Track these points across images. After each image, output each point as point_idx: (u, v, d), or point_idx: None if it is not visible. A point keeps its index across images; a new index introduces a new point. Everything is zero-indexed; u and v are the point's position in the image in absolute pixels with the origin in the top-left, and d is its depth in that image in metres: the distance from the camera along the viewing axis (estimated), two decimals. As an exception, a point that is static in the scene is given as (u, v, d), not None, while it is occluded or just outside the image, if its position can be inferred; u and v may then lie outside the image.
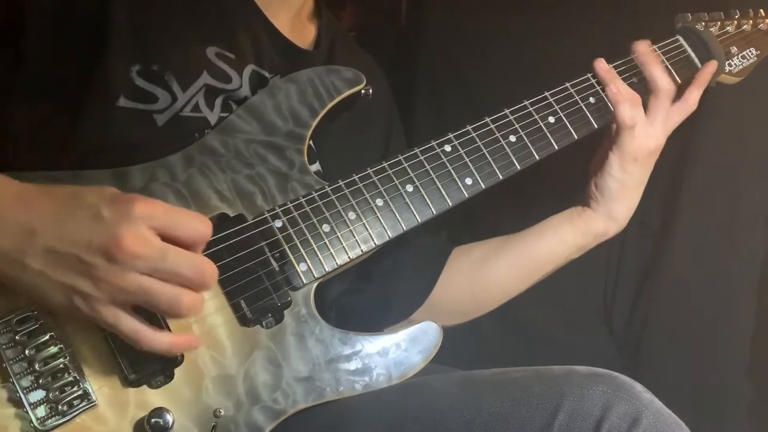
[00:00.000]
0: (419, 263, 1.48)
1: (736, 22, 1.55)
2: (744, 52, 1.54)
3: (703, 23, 1.52)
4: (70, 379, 1.01)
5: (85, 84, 1.16)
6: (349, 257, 1.18)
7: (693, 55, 1.49)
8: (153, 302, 0.96)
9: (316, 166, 1.32)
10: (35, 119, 1.17)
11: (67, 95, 1.16)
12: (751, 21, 1.56)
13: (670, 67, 1.46)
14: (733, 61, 1.52)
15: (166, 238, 0.95)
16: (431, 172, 1.26)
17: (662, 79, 1.40)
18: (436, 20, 1.86)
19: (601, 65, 1.40)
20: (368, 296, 1.44)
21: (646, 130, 1.39)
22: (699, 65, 1.49)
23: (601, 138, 1.43)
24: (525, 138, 1.33)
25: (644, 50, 1.43)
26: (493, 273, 1.48)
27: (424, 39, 1.87)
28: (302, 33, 1.43)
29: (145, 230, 0.93)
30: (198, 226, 0.98)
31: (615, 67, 1.41)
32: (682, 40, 1.50)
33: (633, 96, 1.38)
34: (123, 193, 0.96)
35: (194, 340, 1.06)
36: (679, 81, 1.46)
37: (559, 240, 1.45)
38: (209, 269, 0.98)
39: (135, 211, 0.93)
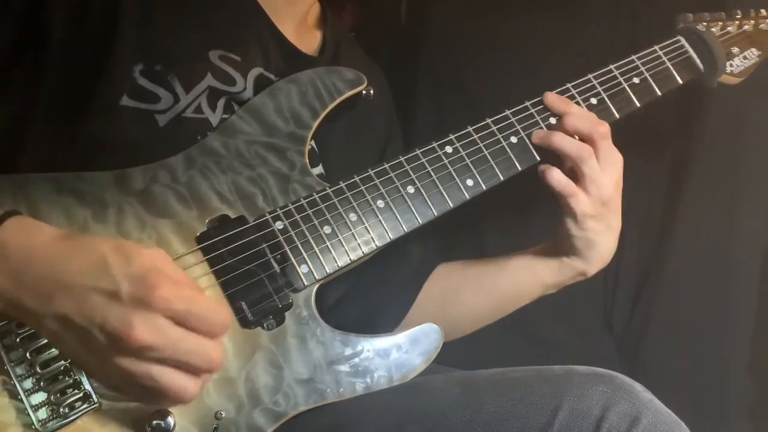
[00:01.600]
0: (402, 278, 1.46)
1: (737, 22, 1.55)
2: (746, 53, 1.53)
3: (705, 23, 1.51)
4: (72, 381, 1.01)
5: (90, 81, 1.16)
6: (350, 259, 1.18)
7: (694, 55, 1.48)
8: (160, 391, 0.95)
9: (318, 169, 1.32)
10: (40, 116, 1.16)
11: (72, 93, 1.16)
12: (752, 21, 1.56)
13: (671, 67, 1.45)
14: (734, 61, 1.51)
15: (182, 325, 0.94)
16: (432, 173, 1.25)
17: (571, 148, 1.30)
18: (436, 20, 1.86)
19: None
20: (355, 306, 1.42)
21: (588, 189, 1.31)
22: (700, 66, 1.49)
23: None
24: (526, 139, 1.32)
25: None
26: (464, 303, 1.47)
27: (424, 39, 1.86)
28: (307, 39, 1.43)
29: (160, 321, 0.91)
30: (215, 320, 0.96)
31: (567, 91, 1.37)
32: (683, 41, 1.49)
33: (575, 150, 1.30)
34: (151, 268, 0.92)
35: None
36: (680, 81, 1.46)
37: (535, 278, 1.42)
38: (217, 356, 0.97)
39: (155, 299, 0.90)
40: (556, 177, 1.30)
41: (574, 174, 1.31)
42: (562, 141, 1.31)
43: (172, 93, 1.20)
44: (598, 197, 1.30)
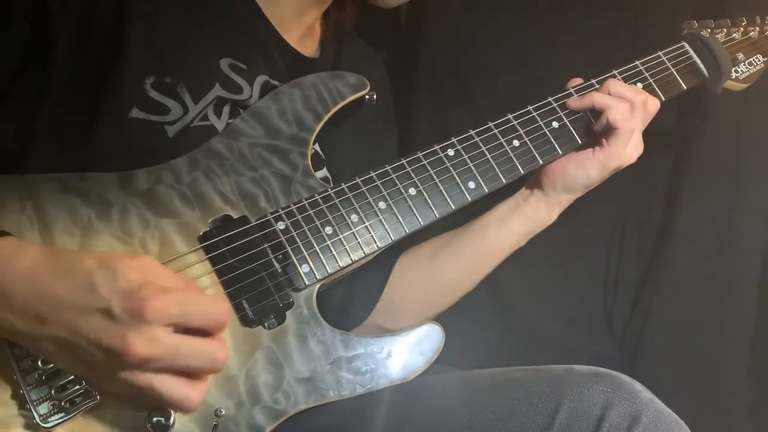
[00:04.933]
0: (367, 267, 1.44)
1: (742, 29, 1.55)
2: (751, 59, 1.53)
3: (709, 30, 1.51)
4: (73, 377, 1.01)
5: (100, 94, 1.17)
6: (351, 259, 1.19)
7: (698, 61, 1.49)
8: (164, 400, 0.95)
9: (323, 173, 1.33)
10: (49, 128, 1.17)
11: (82, 105, 1.17)
12: (757, 28, 1.56)
13: (675, 73, 1.46)
14: (739, 67, 1.52)
15: (182, 329, 0.94)
16: (434, 176, 1.26)
17: (614, 110, 1.35)
18: (437, 20, 1.86)
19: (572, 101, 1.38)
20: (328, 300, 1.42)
21: (636, 143, 1.37)
22: (705, 71, 1.49)
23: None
24: (529, 143, 1.33)
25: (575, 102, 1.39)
26: (442, 267, 1.46)
27: (424, 39, 1.86)
28: (309, 41, 1.43)
29: (157, 331, 0.91)
30: (212, 315, 0.95)
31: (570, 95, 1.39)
32: (687, 47, 1.49)
33: (632, 99, 1.36)
34: (138, 280, 0.92)
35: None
36: (684, 87, 1.46)
37: (506, 228, 1.43)
38: (221, 355, 0.96)
39: (147, 313, 0.90)
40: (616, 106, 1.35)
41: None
42: (602, 97, 1.36)
43: (182, 104, 1.21)
44: (632, 153, 1.38)
